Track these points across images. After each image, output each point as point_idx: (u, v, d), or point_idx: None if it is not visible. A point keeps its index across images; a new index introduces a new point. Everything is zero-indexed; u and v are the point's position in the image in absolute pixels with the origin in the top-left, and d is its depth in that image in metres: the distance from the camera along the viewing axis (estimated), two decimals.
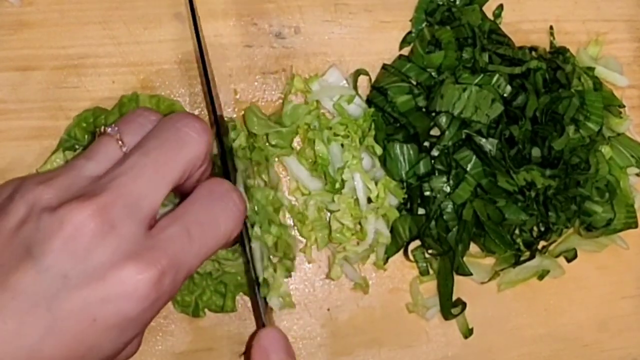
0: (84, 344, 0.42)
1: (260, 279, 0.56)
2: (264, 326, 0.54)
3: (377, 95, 0.61)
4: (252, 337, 0.53)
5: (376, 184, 0.59)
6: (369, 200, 0.60)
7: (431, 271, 0.62)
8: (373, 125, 0.60)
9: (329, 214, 0.60)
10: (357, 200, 0.59)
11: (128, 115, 0.49)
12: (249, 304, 0.60)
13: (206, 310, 0.59)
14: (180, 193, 0.51)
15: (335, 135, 0.59)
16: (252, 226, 0.57)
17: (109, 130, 0.47)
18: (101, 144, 0.47)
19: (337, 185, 0.59)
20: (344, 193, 0.59)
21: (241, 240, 0.56)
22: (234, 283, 0.58)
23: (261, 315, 0.56)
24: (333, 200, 0.59)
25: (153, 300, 0.42)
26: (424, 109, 0.61)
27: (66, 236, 0.41)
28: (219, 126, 0.56)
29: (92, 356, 0.42)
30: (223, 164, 0.55)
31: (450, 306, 0.61)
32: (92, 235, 0.41)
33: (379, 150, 0.60)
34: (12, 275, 0.41)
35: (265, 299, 0.56)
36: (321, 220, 0.60)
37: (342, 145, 0.60)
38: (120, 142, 0.47)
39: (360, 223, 0.60)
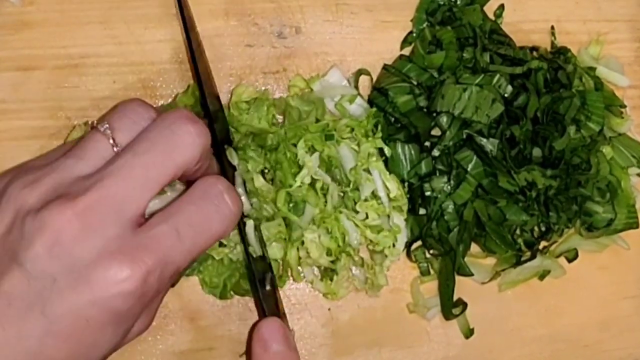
0: (82, 343, 0.42)
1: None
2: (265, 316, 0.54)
3: (378, 96, 0.61)
4: (253, 329, 0.53)
5: None
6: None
7: (432, 271, 0.62)
8: (380, 127, 0.60)
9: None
10: (377, 199, 0.59)
11: (120, 109, 0.48)
12: (250, 304, 0.60)
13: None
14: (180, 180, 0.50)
15: (343, 138, 0.59)
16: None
17: (100, 128, 0.46)
18: (92, 142, 0.46)
19: (352, 186, 0.59)
20: (361, 198, 0.58)
21: (240, 234, 0.56)
22: None
23: (262, 306, 0.55)
24: (357, 211, 0.58)
25: (140, 295, 0.42)
26: (425, 109, 0.60)
27: (49, 240, 0.41)
28: (208, 112, 0.55)
29: (94, 352, 0.43)
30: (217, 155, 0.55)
31: (451, 306, 0.61)
32: (74, 238, 0.41)
33: (387, 151, 0.59)
34: (3, 282, 0.41)
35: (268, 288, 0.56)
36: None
37: (357, 145, 0.59)
38: (112, 141, 0.46)
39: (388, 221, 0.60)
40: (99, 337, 0.43)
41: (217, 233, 0.47)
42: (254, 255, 0.56)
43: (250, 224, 0.56)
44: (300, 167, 0.58)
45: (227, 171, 0.55)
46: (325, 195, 0.58)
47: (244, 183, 0.57)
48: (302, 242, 0.58)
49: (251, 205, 0.57)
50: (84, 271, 0.41)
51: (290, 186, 0.57)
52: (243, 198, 0.56)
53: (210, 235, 0.46)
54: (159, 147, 0.45)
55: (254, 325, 0.55)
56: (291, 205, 0.58)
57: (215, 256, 0.57)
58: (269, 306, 0.55)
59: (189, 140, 0.46)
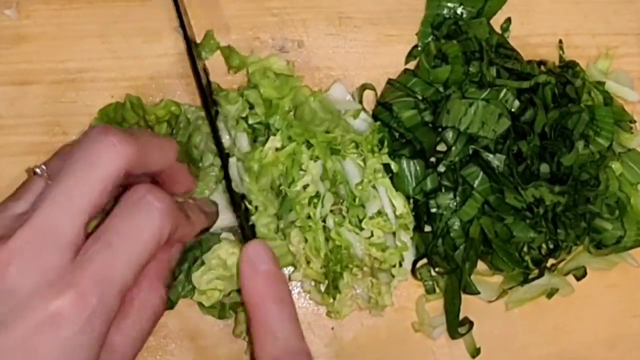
0: None
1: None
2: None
3: (383, 111, 0.60)
4: None
5: None
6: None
7: (438, 289, 0.62)
8: (386, 142, 0.59)
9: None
10: (384, 216, 0.58)
11: (57, 154, 0.51)
12: None
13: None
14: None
15: (348, 152, 0.58)
16: None
17: (37, 170, 0.48)
18: (29, 183, 0.48)
19: (357, 202, 0.58)
20: (367, 215, 0.57)
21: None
22: None
23: (246, 234, 0.56)
24: (362, 228, 0.57)
25: (85, 318, 0.42)
26: (430, 124, 0.60)
27: None
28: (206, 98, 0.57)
29: None
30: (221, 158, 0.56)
31: (457, 325, 0.61)
32: (12, 275, 0.42)
33: (394, 166, 0.59)
34: None
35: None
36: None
37: (363, 161, 0.58)
38: (49, 181, 0.47)
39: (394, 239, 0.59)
40: None
41: (151, 235, 0.47)
42: (237, 191, 0.56)
43: (233, 161, 0.56)
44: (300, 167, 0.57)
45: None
46: (315, 205, 0.57)
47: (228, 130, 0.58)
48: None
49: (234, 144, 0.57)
50: (24, 305, 0.42)
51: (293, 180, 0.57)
52: (226, 138, 0.57)
53: (144, 239, 0.46)
54: (75, 169, 0.45)
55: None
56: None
57: (205, 303, 0.56)
58: (253, 234, 0.56)
59: (107, 152, 0.45)
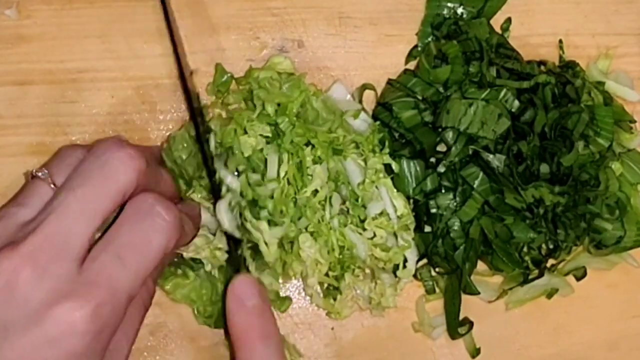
0: None
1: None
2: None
3: (383, 111, 0.60)
4: None
5: None
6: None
7: (438, 290, 0.61)
8: (387, 143, 0.59)
9: None
10: (386, 216, 0.58)
11: (56, 155, 0.50)
12: None
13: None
14: None
15: (349, 152, 0.58)
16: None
17: (39, 174, 0.48)
18: (33, 188, 0.48)
19: (359, 202, 0.57)
20: (369, 215, 0.57)
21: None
22: None
23: (235, 266, 0.56)
24: (365, 228, 0.57)
25: (97, 332, 0.43)
26: (430, 125, 0.60)
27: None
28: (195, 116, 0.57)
29: None
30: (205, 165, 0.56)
31: (457, 325, 0.61)
32: (25, 282, 0.42)
33: (395, 166, 0.58)
34: None
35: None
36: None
37: (364, 161, 0.58)
38: (52, 185, 0.47)
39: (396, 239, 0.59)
40: None
41: (159, 247, 0.47)
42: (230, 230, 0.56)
43: (224, 203, 0.55)
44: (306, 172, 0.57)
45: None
46: (323, 207, 0.57)
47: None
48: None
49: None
50: (34, 315, 0.42)
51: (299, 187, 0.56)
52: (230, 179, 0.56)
53: (152, 251, 0.47)
54: (92, 179, 0.46)
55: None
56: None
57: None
58: (241, 266, 0.56)
59: (120, 167, 0.46)
